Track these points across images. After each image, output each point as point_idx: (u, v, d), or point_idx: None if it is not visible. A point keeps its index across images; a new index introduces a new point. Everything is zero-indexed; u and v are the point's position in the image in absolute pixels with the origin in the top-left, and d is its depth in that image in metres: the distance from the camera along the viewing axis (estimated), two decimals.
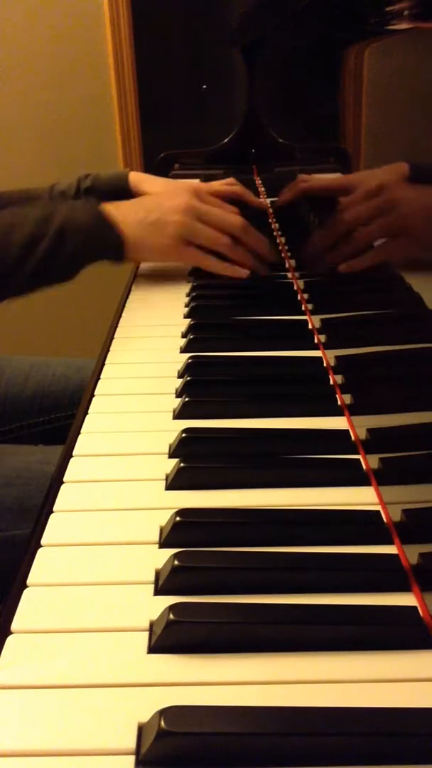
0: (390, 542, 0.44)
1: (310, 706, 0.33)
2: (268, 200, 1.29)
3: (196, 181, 1.11)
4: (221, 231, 0.86)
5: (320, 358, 0.67)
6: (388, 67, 0.68)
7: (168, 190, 0.97)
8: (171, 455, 0.53)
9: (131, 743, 0.32)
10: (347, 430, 0.56)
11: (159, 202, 0.87)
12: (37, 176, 1.22)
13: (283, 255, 0.98)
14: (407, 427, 0.50)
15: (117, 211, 0.84)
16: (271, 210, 1.23)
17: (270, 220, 1.17)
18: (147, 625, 0.38)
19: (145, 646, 0.37)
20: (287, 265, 0.94)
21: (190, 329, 0.75)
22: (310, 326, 0.74)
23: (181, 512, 0.45)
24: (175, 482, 0.49)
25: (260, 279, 0.90)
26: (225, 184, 1.17)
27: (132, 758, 0.31)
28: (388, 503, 0.47)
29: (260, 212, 1.22)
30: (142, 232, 0.84)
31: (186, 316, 0.80)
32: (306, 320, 0.76)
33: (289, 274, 0.91)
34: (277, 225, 1.13)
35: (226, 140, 1.51)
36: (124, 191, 1.14)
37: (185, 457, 0.51)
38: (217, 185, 1.18)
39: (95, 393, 0.63)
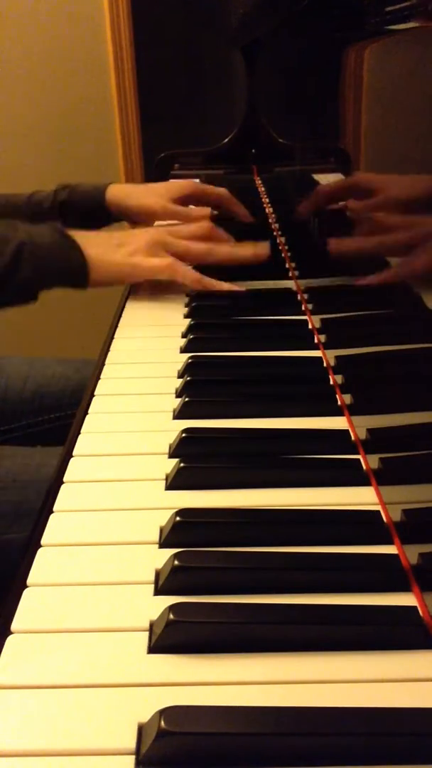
0: (390, 542, 0.44)
1: (310, 706, 0.33)
2: (269, 206, 1.29)
3: (179, 182, 1.10)
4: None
5: (320, 358, 0.67)
6: (388, 67, 0.68)
7: (135, 231, 0.93)
8: (171, 455, 0.53)
9: (131, 743, 0.32)
10: (347, 430, 0.56)
11: (125, 234, 0.86)
12: (37, 176, 1.22)
13: (283, 255, 0.98)
14: (407, 427, 0.50)
15: (81, 236, 0.82)
16: (271, 210, 1.23)
17: (270, 221, 1.17)
18: (147, 625, 0.38)
19: (145, 646, 0.37)
20: (287, 266, 0.94)
21: (190, 329, 0.75)
22: (310, 326, 0.74)
23: (181, 512, 0.45)
24: (175, 482, 0.49)
25: (260, 279, 0.90)
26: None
27: (132, 758, 0.31)
28: (388, 503, 0.47)
29: (260, 213, 1.22)
30: (106, 250, 0.82)
31: (186, 316, 0.80)
32: (306, 320, 0.76)
33: (290, 274, 0.91)
34: (277, 225, 1.13)
35: (226, 140, 1.51)
36: (100, 208, 1.09)
37: (185, 457, 0.51)
38: (209, 186, 1.14)
39: (95, 393, 0.63)
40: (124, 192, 1.08)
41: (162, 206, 1.04)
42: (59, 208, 1.08)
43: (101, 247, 0.82)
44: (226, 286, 0.86)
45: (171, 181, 1.11)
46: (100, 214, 1.09)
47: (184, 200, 1.08)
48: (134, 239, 0.84)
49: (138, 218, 1.11)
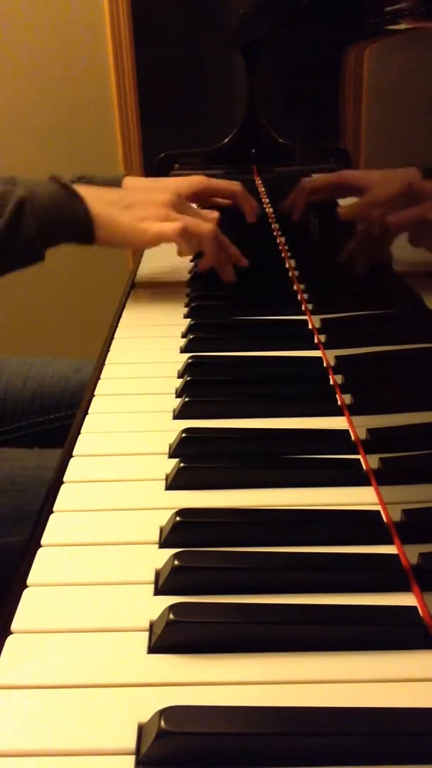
0: (390, 542, 0.44)
1: (310, 706, 0.33)
2: (269, 206, 1.29)
3: (190, 178, 1.07)
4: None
5: (320, 358, 0.67)
6: (388, 67, 0.68)
7: (152, 186, 0.91)
8: (171, 455, 0.53)
9: (131, 743, 0.32)
10: (347, 430, 0.56)
11: (138, 192, 0.84)
12: (37, 176, 1.22)
13: (283, 255, 0.98)
14: (407, 427, 0.50)
15: (85, 189, 0.79)
16: (271, 210, 1.23)
17: (270, 221, 1.17)
18: (147, 625, 0.38)
19: (145, 646, 0.37)
20: (287, 265, 0.94)
21: (190, 329, 0.75)
22: (310, 326, 0.74)
23: (181, 512, 0.45)
24: (175, 482, 0.49)
25: (260, 279, 0.90)
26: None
27: (132, 758, 0.31)
28: (388, 503, 0.47)
29: (261, 213, 1.21)
30: (114, 210, 0.79)
31: (186, 316, 0.80)
32: (306, 320, 0.76)
33: (290, 274, 0.91)
34: (276, 225, 1.13)
35: (226, 140, 1.51)
36: None
37: (185, 457, 0.51)
38: (222, 182, 1.14)
39: (95, 393, 0.63)
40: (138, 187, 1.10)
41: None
42: None
43: (109, 205, 0.79)
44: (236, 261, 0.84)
45: (183, 178, 1.12)
46: None
47: (195, 197, 1.08)
48: (145, 201, 0.81)
49: None
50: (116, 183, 1.07)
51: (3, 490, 0.76)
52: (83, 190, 0.79)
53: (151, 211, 0.80)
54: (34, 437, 1.03)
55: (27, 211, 0.75)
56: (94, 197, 0.79)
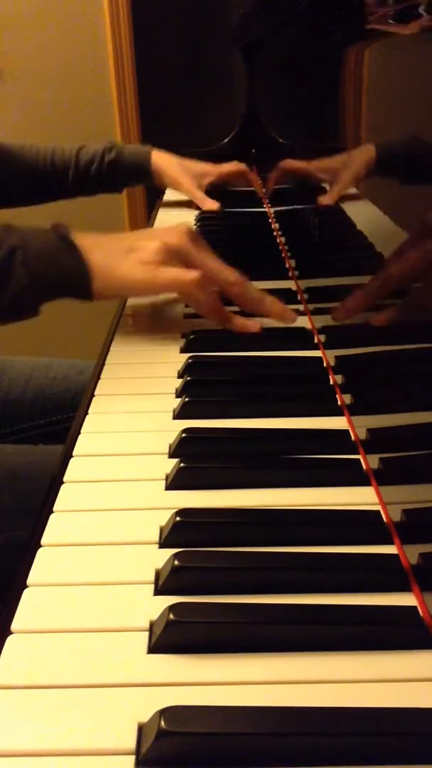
0: (390, 542, 0.44)
1: (310, 706, 0.33)
2: (272, 209, 1.29)
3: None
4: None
5: (320, 358, 0.67)
6: (388, 67, 0.68)
7: (149, 233, 0.78)
8: (171, 455, 0.53)
9: (131, 743, 0.32)
10: (347, 430, 0.56)
11: (137, 236, 0.74)
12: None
13: (283, 255, 0.98)
14: (407, 427, 0.50)
15: (85, 240, 0.71)
16: (272, 211, 1.23)
17: (270, 221, 1.17)
18: (147, 625, 0.38)
19: (145, 646, 0.37)
20: (287, 266, 0.94)
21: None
22: (310, 326, 0.74)
23: (181, 512, 0.45)
24: (175, 482, 0.49)
25: (260, 279, 0.90)
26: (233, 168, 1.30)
27: (132, 758, 0.31)
28: (388, 503, 0.47)
29: (261, 213, 1.22)
30: (113, 256, 0.70)
31: (186, 316, 0.80)
32: (306, 320, 0.76)
33: (289, 274, 0.91)
34: (277, 225, 1.13)
35: (226, 140, 1.51)
36: (145, 173, 1.22)
37: (185, 457, 0.51)
38: (227, 166, 1.30)
39: (95, 393, 0.63)
40: (163, 165, 1.22)
41: (189, 189, 1.23)
42: (108, 169, 1.20)
43: (108, 252, 0.71)
44: (252, 327, 0.73)
45: (203, 165, 1.28)
46: (143, 176, 1.24)
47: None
48: (147, 243, 0.71)
49: (170, 188, 1.28)
50: (146, 155, 1.22)
51: (6, 485, 0.76)
52: (83, 240, 0.71)
53: (154, 253, 0.71)
54: (36, 440, 1.02)
55: (18, 261, 0.68)
56: (94, 247, 0.71)
